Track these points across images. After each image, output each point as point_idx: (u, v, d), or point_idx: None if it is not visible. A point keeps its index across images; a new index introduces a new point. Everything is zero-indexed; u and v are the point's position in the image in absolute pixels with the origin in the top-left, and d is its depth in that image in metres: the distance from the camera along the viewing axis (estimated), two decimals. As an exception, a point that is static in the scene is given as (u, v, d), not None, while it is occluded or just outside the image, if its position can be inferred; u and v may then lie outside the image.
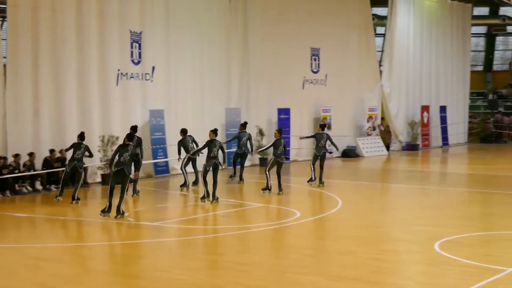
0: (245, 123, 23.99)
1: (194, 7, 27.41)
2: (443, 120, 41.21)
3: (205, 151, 19.08)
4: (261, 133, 28.84)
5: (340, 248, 13.60)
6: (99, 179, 23.47)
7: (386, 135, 37.29)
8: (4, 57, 21.88)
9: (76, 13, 23.22)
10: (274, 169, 20.57)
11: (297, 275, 11.49)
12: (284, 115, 31.00)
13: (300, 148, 31.71)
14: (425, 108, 39.79)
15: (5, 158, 20.60)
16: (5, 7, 21.81)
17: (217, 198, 18.63)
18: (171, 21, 26.43)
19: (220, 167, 18.71)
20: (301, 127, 32.13)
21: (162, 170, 25.31)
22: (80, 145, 19.19)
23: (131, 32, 24.94)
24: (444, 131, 41.37)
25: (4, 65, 21.71)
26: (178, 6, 26.73)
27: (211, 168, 18.58)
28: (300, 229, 15.75)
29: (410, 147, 38.31)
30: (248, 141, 23.36)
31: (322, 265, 12.20)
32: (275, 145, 20.63)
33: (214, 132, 19.12)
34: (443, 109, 41.16)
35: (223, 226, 16.35)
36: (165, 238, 14.85)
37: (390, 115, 37.59)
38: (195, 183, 22.09)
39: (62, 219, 16.93)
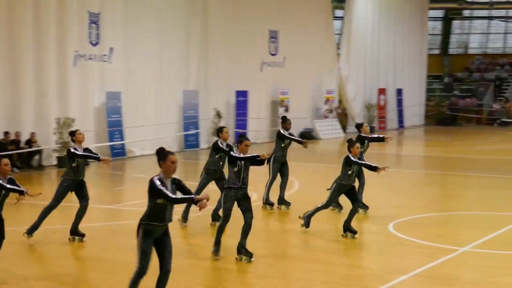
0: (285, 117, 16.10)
1: (153, -12, 27.25)
2: (400, 102, 41.75)
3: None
4: (218, 115, 28.80)
5: (295, 228, 13.66)
6: (55, 162, 23.22)
7: (343, 118, 37.58)
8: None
9: (33, -6, 22.93)
10: None
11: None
12: (242, 97, 31.03)
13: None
14: (382, 91, 40.19)
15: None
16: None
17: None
18: (130, 2, 26.19)
19: None
20: (259, 110, 32.22)
21: (119, 152, 25.21)
22: None
23: (89, 13, 24.65)
24: (400, 113, 41.93)
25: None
26: (137, -13, 26.56)
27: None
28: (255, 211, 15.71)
29: (366, 129, 38.67)
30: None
31: (273, 247, 12.25)
32: None
33: None
34: (399, 92, 41.66)
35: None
36: (123, 221, 14.77)
37: (347, 97, 37.91)
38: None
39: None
